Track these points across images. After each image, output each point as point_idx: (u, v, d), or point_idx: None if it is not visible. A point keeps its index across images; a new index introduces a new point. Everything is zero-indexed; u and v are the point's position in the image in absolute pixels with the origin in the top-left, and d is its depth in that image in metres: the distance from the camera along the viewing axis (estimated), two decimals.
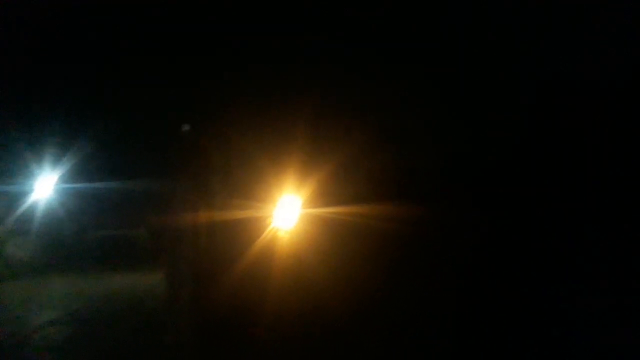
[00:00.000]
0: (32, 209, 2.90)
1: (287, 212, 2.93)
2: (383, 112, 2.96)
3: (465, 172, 2.96)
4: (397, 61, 2.91)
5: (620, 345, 2.64)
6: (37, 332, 2.93)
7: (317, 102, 2.85)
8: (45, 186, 2.91)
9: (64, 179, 2.90)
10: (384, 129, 2.97)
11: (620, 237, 2.78)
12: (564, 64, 2.91)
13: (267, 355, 2.77)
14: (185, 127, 2.98)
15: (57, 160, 2.88)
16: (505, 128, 2.96)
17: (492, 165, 2.96)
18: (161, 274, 3.01)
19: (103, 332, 2.93)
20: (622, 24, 2.79)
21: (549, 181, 2.90)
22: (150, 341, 2.90)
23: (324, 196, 2.91)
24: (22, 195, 2.89)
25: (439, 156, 2.99)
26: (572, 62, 2.88)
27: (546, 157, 2.93)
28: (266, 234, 2.89)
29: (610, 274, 2.76)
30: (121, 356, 2.86)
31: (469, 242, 2.90)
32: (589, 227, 2.81)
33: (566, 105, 2.89)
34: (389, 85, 2.92)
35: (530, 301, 2.82)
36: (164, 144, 2.96)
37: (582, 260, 2.79)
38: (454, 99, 2.98)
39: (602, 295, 2.73)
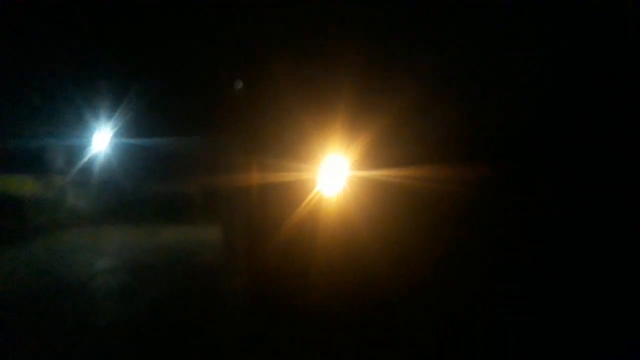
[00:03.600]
0: (91, 161, 3.01)
1: (336, 174, 2.89)
2: (438, 69, 2.82)
3: (524, 133, 2.80)
4: (452, 20, 2.75)
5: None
6: (95, 278, 3.10)
7: (368, 59, 2.75)
8: (103, 140, 3.00)
9: (120, 133, 2.98)
10: (439, 86, 2.83)
11: None
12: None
13: (312, 320, 2.79)
14: (239, 84, 2.96)
15: (114, 115, 2.96)
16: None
17: (552, 129, 2.78)
18: (213, 228, 3.08)
19: (158, 280, 3.05)
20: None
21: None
22: (203, 289, 3.01)
23: (373, 158, 2.84)
24: (81, 148, 3.00)
25: (497, 117, 2.83)
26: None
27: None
28: (313, 196, 2.87)
29: None
30: (175, 303, 2.99)
31: (530, 205, 2.77)
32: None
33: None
34: (444, 42, 2.78)
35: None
36: (218, 100, 2.97)
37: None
38: (514, 61, 2.79)
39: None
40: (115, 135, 2.99)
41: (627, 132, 2.69)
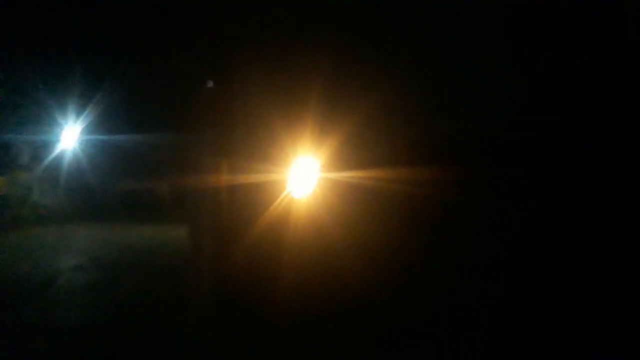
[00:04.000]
0: (58, 158, 2.98)
1: (306, 176, 2.91)
2: (407, 73, 2.85)
3: (490, 135, 2.84)
4: (422, 20, 2.78)
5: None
6: (61, 276, 3.07)
7: (337, 63, 2.77)
8: (70, 137, 2.97)
9: (89, 130, 2.95)
10: (407, 90, 2.86)
11: None
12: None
13: (281, 319, 2.80)
14: (209, 84, 2.96)
15: (82, 112, 2.92)
16: (537, 97, 2.81)
17: (518, 130, 2.82)
18: (182, 228, 3.08)
19: (124, 278, 3.04)
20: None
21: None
22: (171, 288, 3.00)
23: (342, 160, 2.86)
24: (48, 144, 2.96)
25: (463, 119, 2.87)
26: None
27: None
28: (284, 197, 2.88)
29: None
30: (140, 300, 2.98)
31: (496, 206, 2.81)
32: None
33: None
34: (414, 45, 2.80)
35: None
36: (188, 100, 2.97)
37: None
38: (482, 61, 2.83)
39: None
40: (84, 132, 2.95)
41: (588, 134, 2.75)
